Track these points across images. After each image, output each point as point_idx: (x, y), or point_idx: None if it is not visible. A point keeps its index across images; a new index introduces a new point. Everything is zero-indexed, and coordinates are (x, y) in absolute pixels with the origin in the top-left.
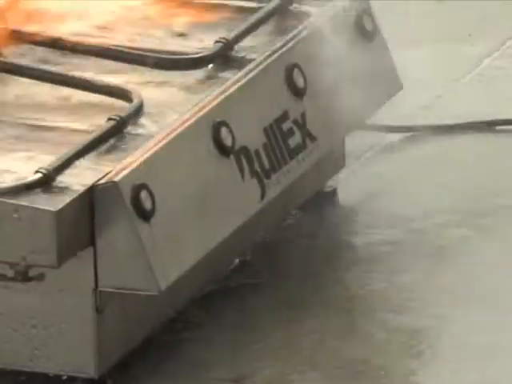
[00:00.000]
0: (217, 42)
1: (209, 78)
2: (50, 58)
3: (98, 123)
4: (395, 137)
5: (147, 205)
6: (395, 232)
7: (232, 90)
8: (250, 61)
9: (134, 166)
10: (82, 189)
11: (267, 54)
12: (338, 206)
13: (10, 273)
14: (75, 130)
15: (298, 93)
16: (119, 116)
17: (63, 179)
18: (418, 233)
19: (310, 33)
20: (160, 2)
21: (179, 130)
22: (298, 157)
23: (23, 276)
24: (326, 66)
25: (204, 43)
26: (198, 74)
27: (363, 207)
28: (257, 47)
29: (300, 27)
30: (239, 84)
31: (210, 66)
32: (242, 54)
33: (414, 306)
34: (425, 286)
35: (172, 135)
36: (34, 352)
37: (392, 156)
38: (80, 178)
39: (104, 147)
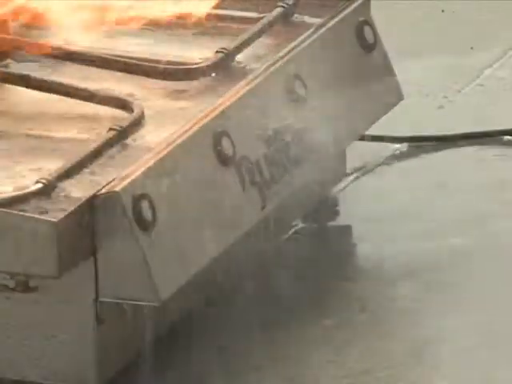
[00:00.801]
0: (217, 52)
1: (210, 88)
2: (50, 67)
3: (99, 133)
4: (396, 147)
5: (148, 215)
6: (396, 242)
7: (233, 100)
8: (251, 71)
9: (135, 176)
10: (82, 199)
11: (268, 64)
12: (338, 216)
13: (11, 283)
14: (76, 140)
15: (299, 103)
16: (120, 126)
17: (64, 189)
18: (419, 242)
19: (310, 43)
20: (160, 12)
21: (180, 140)
22: (298, 167)
23: (24, 286)
24: (327, 77)
25: (205, 53)
26: (199, 83)
27: (364, 218)
28: (258, 57)
29: (301, 38)
30: (240, 94)
31: (211, 75)
32: (242, 64)
33: (414, 316)
34: (426, 298)
35: (173, 145)
36: (34, 362)
37: (393, 167)
38: (81, 187)
39: (105, 157)
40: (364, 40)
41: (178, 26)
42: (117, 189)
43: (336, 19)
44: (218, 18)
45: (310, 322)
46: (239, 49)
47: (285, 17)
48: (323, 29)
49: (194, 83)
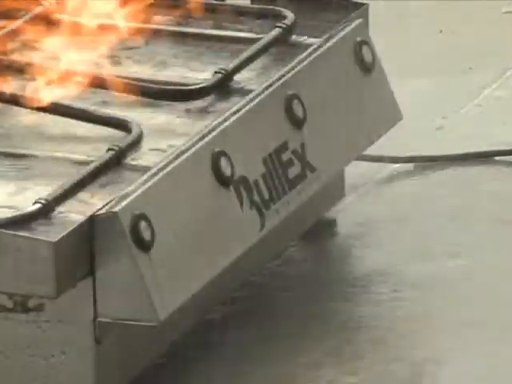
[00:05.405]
0: (216, 72)
1: (208, 108)
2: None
3: (98, 153)
4: (395, 168)
5: (146, 235)
6: (393, 262)
7: (231, 120)
8: (250, 91)
9: (134, 196)
10: (81, 219)
11: (266, 84)
12: (336, 236)
13: (9, 303)
14: (74, 161)
15: (297, 123)
16: (118, 146)
17: (62, 210)
18: (417, 263)
19: (309, 63)
20: (160, 34)
21: (178, 160)
22: (297, 187)
23: (22, 307)
24: (325, 97)
25: (203, 74)
26: (198, 104)
27: (362, 238)
28: (256, 78)
29: (299, 58)
30: (238, 114)
31: (210, 96)
32: (241, 85)
33: (413, 336)
34: (424, 316)
35: (171, 165)
36: (33, 383)
37: (392, 187)
38: (79, 208)
39: (103, 177)
40: (362, 60)
41: (175, 46)
42: (115, 209)
43: (334, 40)
44: (217, 39)
45: (306, 343)
46: (238, 69)
47: (283, 37)
48: (321, 49)
49: (193, 104)
